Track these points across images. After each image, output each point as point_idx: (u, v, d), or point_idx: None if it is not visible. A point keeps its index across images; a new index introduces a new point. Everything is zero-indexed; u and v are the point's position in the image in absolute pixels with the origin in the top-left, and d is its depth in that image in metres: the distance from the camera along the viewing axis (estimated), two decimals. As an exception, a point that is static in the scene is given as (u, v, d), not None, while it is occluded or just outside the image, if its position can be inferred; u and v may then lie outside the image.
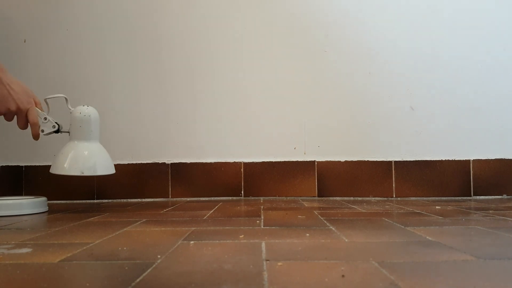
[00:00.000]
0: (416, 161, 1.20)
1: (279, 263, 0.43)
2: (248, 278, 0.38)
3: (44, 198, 0.94)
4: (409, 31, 1.23)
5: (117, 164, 1.21)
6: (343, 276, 0.38)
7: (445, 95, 1.22)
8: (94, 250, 0.50)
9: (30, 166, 1.22)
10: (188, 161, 1.22)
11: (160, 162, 1.22)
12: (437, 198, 1.17)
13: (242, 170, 1.21)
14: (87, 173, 0.85)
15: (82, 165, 0.85)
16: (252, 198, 1.20)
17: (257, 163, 1.21)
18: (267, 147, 1.23)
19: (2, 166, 1.22)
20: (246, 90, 1.24)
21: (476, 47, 1.23)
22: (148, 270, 0.40)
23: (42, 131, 0.88)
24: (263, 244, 0.53)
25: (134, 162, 1.22)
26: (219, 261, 0.44)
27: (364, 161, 1.21)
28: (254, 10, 1.24)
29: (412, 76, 1.23)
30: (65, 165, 0.84)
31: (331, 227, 0.66)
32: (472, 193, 1.19)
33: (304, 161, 1.21)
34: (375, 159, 1.21)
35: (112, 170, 0.89)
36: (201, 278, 0.38)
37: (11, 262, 0.45)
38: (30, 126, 0.87)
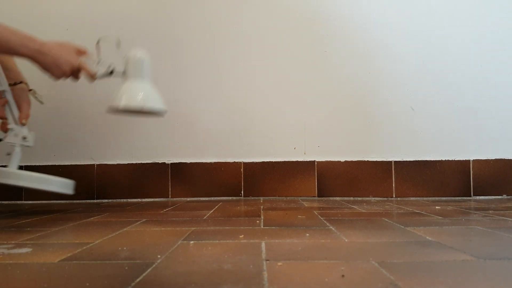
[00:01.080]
0: (416, 161, 1.20)
1: (279, 263, 0.43)
2: (248, 278, 0.38)
3: (71, 181, 0.96)
4: (409, 32, 1.23)
5: (117, 164, 1.21)
6: (343, 276, 0.38)
7: (445, 95, 1.22)
8: (94, 250, 0.50)
9: (30, 166, 1.22)
10: (188, 161, 1.22)
11: (160, 162, 1.22)
12: (437, 198, 1.17)
13: (242, 170, 1.21)
14: (146, 108, 0.87)
15: (142, 101, 0.88)
16: (252, 198, 1.20)
17: (257, 163, 1.21)
18: (267, 147, 1.23)
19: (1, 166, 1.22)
20: (246, 90, 1.24)
21: (476, 47, 1.23)
22: (148, 270, 0.40)
23: (97, 73, 0.90)
24: (263, 244, 0.53)
25: (134, 162, 1.22)
26: (219, 261, 0.44)
27: (364, 161, 1.21)
28: (254, 10, 1.24)
29: (412, 76, 1.23)
30: (126, 101, 0.87)
31: (331, 227, 0.66)
32: (472, 193, 1.19)
33: (304, 161, 1.21)
34: (375, 159, 1.21)
35: (165, 109, 0.91)
36: (201, 278, 0.38)
37: (11, 262, 0.45)
38: (87, 76, 0.89)
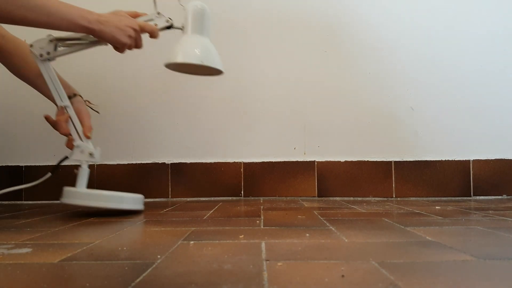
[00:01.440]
0: (416, 161, 1.20)
1: (279, 263, 0.43)
2: (248, 278, 0.38)
3: (142, 196, 0.92)
4: (409, 32, 1.23)
5: (117, 164, 1.21)
6: (343, 276, 0.38)
7: (445, 96, 1.22)
8: (94, 250, 0.50)
9: (30, 166, 1.22)
10: (188, 161, 1.22)
11: (160, 162, 1.22)
12: (437, 198, 1.17)
13: (242, 170, 1.21)
14: (206, 62, 0.81)
15: (201, 55, 0.82)
16: (252, 198, 1.20)
17: (257, 163, 1.21)
18: (267, 147, 1.23)
19: (1, 166, 1.22)
20: (246, 90, 1.24)
21: (476, 47, 1.23)
22: (148, 270, 0.40)
23: (156, 25, 0.86)
24: (263, 244, 0.53)
25: (134, 162, 1.22)
26: (219, 261, 0.44)
27: (364, 161, 1.21)
28: (253, 8, 1.24)
29: (412, 77, 1.23)
30: (184, 55, 0.82)
31: (331, 227, 0.66)
32: (472, 193, 1.19)
33: (304, 161, 1.21)
34: (375, 159, 1.21)
35: (222, 68, 0.86)
36: (201, 278, 0.38)
37: (11, 262, 0.45)
38: (149, 32, 0.85)
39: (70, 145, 0.89)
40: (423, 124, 1.22)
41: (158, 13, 0.86)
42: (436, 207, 0.95)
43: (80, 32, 0.79)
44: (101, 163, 1.22)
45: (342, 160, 1.21)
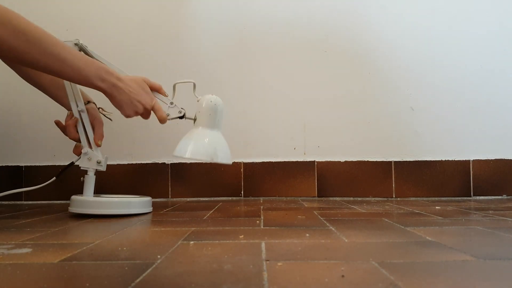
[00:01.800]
0: (416, 161, 1.20)
1: (279, 263, 0.43)
2: (248, 278, 0.38)
3: (149, 198, 0.93)
4: (409, 32, 1.23)
5: (117, 164, 1.21)
6: (343, 276, 0.38)
7: (445, 96, 1.22)
8: (94, 250, 0.50)
9: (30, 166, 1.22)
10: (188, 161, 1.22)
11: (160, 162, 1.22)
12: (437, 199, 1.17)
13: (242, 170, 1.21)
14: (215, 160, 0.82)
15: (211, 152, 0.83)
16: (252, 198, 1.20)
17: (257, 163, 1.21)
18: (267, 147, 1.23)
19: (1, 166, 1.22)
20: (246, 90, 1.24)
21: (476, 47, 1.23)
22: (148, 270, 0.40)
23: (168, 115, 0.87)
24: (263, 244, 0.53)
25: (134, 162, 1.22)
26: (219, 261, 0.44)
27: (364, 161, 1.21)
28: (253, 9, 1.25)
29: (412, 77, 1.23)
30: (193, 152, 0.82)
31: (331, 227, 0.66)
32: (472, 193, 1.19)
33: (304, 161, 1.21)
34: (375, 159, 1.21)
35: (231, 161, 0.87)
36: (201, 278, 0.38)
37: (11, 262, 0.45)
38: (158, 119, 0.85)
39: (77, 151, 0.88)
40: (423, 124, 1.22)
41: (172, 103, 0.88)
42: (436, 207, 0.95)
43: (92, 88, 0.77)
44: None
45: (342, 160, 1.21)
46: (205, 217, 0.80)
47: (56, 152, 1.23)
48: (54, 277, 0.39)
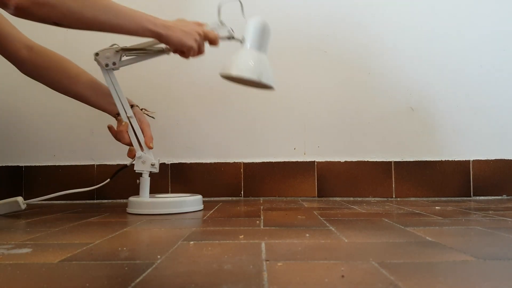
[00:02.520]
0: (416, 161, 1.20)
1: (279, 264, 0.43)
2: (248, 279, 0.38)
3: (200, 196, 0.96)
4: (408, 32, 1.23)
5: (117, 165, 1.21)
6: (343, 276, 0.38)
7: (445, 96, 1.22)
8: (94, 250, 0.50)
9: (30, 166, 1.22)
10: (188, 161, 1.22)
11: (160, 162, 1.21)
12: (436, 199, 1.17)
13: (242, 170, 1.21)
14: (262, 79, 0.82)
15: (258, 71, 0.82)
16: (252, 198, 1.20)
17: (257, 163, 1.21)
18: (267, 147, 1.23)
19: (1, 166, 1.22)
20: (246, 90, 1.24)
21: (476, 47, 1.23)
22: (148, 271, 0.40)
23: (217, 34, 0.87)
24: (263, 245, 0.53)
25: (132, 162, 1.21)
26: (219, 261, 0.44)
27: (364, 161, 1.21)
28: (252, 10, 1.24)
29: (412, 77, 1.23)
30: (241, 70, 0.82)
31: (331, 228, 0.66)
32: (472, 193, 1.19)
33: (304, 161, 1.21)
34: (375, 160, 1.21)
35: (274, 86, 0.87)
36: (201, 279, 0.38)
37: (11, 262, 0.45)
38: (211, 40, 0.86)
39: (131, 154, 0.91)
40: (423, 124, 1.22)
41: (221, 22, 0.87)
42: (436, 207, 0.95)
43: (147, 36, 0.79)
44: (100, 163, 1.22)
45: (342, 160, 1.21)
46: (205, 217, 0.80)
47: (56, 152, 1.23)
48: (54, 277, 0.39)
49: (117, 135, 0.90)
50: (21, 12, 0.67)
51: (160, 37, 0.79)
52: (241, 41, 0.86)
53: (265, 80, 0.82)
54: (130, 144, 0.90)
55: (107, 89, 0.88)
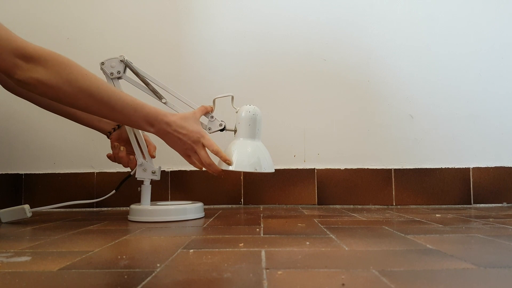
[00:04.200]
0: (416, 169, 1.20)
1: (279, 272, 0.43)
2: (248, 287, 0.38)
3: (201, 204, 0.97)
4: (407, 40, 1.24)
5: (117, 172, 1.21)
6: (343, 284, 0.38)
7: (444, 103, 1.23)
8: (94, 259, 0.50)
9: (30, 174, 1.21)
10: (188, 168, 1.22)
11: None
12: (437, 206, 1.17)
13: (241, 177, 1.21)
14: (258, 170, 0.85)
15: (254, 163, 0.86)
16: (252, 206, 1.20)
17: (257, 171, 1.21)
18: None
19: (1, 174, 1.22)
20: (246, 98, 1.24)
21: (475, 55, 1.23)
22: (148, 279, 0.40)
23: (209, 129, 0.90)
24: (263, 253, 0.52)
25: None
26: (219, 269, 0.44)
27: (364, 169, 1.21)
28: (253, 20, 1.25)
29: (411, 85, 1.23)
30: (237, 164, 0.85)
31: (331, 235, 0.65)
32: (472, 201, 1.19)
33: (304, 169, 1.21)
34: (374, 167, 1.21)
35: (273, 170, 0.90)
36: (201, 287, 0.38)
37: (10, 270, 0.45)
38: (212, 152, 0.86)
39: (132, 165, 0.93)
40: (422, 132, 1.22)
41: (212, 117, 0.91)
42: (436, 215, 0.95)
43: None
44: (100, 170, 1.22)
45: (342, 167, 1.21)
46: (205, 225, 0.80)
47: (56, 160, 1.23)
48: (53, 285, 0.39)
49: (117, 161, 0.93)
50: (22, 85, 0.70)
51: (156, 135, 0.83)
52: (234, 131, 0.90)
53: (261, 169, 0.86)
54: (133, 167, 0.93)
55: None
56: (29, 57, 0.68)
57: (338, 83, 1.24)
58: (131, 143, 0.91)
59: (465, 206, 1.17)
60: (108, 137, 0.95)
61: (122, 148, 0.91)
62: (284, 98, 1.24)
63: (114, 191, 0.98)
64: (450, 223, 0.79)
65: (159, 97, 0.90)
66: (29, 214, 0.88)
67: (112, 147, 0.93)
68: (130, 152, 0.93)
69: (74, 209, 1.18)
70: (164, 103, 0.90)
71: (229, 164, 0.84)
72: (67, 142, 1.23)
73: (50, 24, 1.24)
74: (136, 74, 0.90)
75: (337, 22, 1.25)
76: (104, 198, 1.00)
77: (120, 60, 0.88)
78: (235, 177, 1.21)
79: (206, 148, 0.85)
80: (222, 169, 0.85)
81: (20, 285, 0.39)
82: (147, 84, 0.90)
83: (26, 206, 0.88)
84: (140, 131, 0.91)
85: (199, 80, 1.24)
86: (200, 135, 0.84)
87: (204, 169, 0.87)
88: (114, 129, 0.94)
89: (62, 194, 1.19)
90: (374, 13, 1.25)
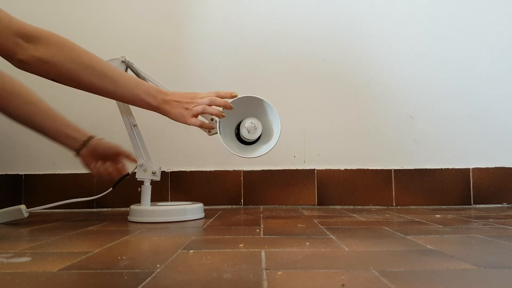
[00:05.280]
0: (416, 169, 1.20)
1: (279, 272, 0.43)
2: None
3: (201, 204, 0.97)
4: (407, 41, 1.24)
5: (117, 173, 1.21)
6: (343, 285, 0.38)
7: (444, 104, 1.23)
8: (94, 259, 0.50)
9: (30, 174, 1.21)
10: (188, 169, 1.22)
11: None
12: (437, 207, 1.17)
13: (241, 178, 1.21)
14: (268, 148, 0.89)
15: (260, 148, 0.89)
16: (252, 206, 1.20)
17: (257, 171, 1.21)
18: (266, 155, 1.22)
19: (1, 175, 1.22)
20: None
21: (474, 56, 1.23)
22: (148, 279, 0.40)
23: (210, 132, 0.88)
24: (263, 253, 0.52)
25: (134, 171, 1.21)
26: (219, 270, 0.44)
27: (364, 169, 1.21)
28: (251, 14, 1.25)
29: (411, 85, 1.23)
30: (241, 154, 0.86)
31: (331, 236, 0.65)
32: (472, 201, 1.19)
33: (304, 170, 1.21)
34: (374, 168, 1.21)
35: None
36: None
37: (10, 271, 0.45)
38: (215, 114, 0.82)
39: (121, 172, 0.93)
40: (422, 132, 1.22)
41: (212, 119, 0.87)
42: (436, 215, 0.95)
43: (144, 107, 0.80)
44: (101, 171, 1.22)
45: (342, 168, 1.21)
46: (204, 226, 0.80)
47: (56, 161, 1.23)
48: (53, 286, 0.39)
49: (103, 178, 0.91)
50: (23, 66, 0.70)
51: (158, 111, 0.80)
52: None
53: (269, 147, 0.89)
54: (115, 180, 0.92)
55: (66, 121, 0.89)
56: (30, 36, 0.68)
57: (338, 84, 1.24)
58: (105, 154, 0.90)
59: (465, 206, 1.17)
60: (76, 155, 0.91)
61: (99, 164, 0.90)
62: (284, 98, 1.24)
63: (111, 188, 0.97)
64: (450, 224, 0.79)
65: None
66: (25, 214, 0.88)
67: (88, 167, 0.91)
68: (110, 162, 0.92)
69: (74, 210, 1.18)
70: None
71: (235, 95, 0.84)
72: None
73: (50, 24, 1.24)
74: (137, 74, 0.90)
75: (337, 22, 1.25)
76: (99, 197, 0.98)
77: (122, 61, 0.88)
78: (235, 177, 1.21)
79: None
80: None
81: (20, 286, 0.39)
82: None
83: (23, 207, 0.88)
84: (140, 130, 0.90)
85: (199, 80, 1.24)
86: (195, 93, 0.82)
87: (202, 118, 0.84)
88: (84, 144, 0.90)
89: (62, 195, 1.19)
90: (374, 13, 1.25)
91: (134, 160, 0.92)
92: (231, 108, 0.83)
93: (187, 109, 0.80)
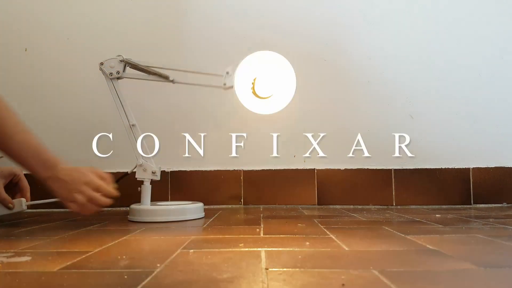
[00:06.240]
0: (416, 169, 1.20)
1: (279, 272, 0.43)
2: (248, 287, 0.38)
3: (201, 204, 0.97)
4: (407, 41, 1.24)
5: (117, 172, 1.21)
6: (343, 285, 0.38)
7: (444, 104, 1.23)
8: (94, 259, 0.50)
9: (29, 174, 1.21)
10: (187, 169, 1.22)
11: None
12: (437, 206, 1.17)
13: (241, 178, 1.21)
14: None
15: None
16: (252, 206, 1.20)
17: (256, 171, 1.21)
18: (266, 155, 1.23)
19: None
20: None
21: (474, 55, 1.23)
22: (148, 279, 0.40)
23: (225, 84, 0.93)
24: (263, 253, 0.52)
25: (134, 170, 1.21)
26: (219, 270, 0.44)
27: (364, 169, 1.21)
28: (252, 11, 1.25)
29: (411, 85, 1.23)
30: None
31: (331, 236, 0.65)
32: (472, 201, 1.19)
33: (303, 169, 1.21)
34: (375, 167, 1.21)
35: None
36: (201, 287, 0.38)
37: (10, 270, 0.45)
38: (106, 194, 0.78)
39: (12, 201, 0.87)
40: (422, 132, 1.22)
41: (227, 72, 0.92)
42: (436, 215, 0.95)
43: (32, 172, 0.76)
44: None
45: (342, 168, 1.21)
46: (204, 225, 0.80)
47: (56, 160, 1.22)
48: (53, 285, 0.39)
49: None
50: None
51: (45, 184, 0.75)
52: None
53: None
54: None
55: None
56: None
57: (338, 84, 1.24)
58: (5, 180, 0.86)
59: (465, 206, 1.17)
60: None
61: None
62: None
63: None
64: (450, 223, 0.79)
65: (165, 77, 0.90)
66: (24, 207, 0.88)
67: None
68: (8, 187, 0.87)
69: (74, 209, 1.17)
70: (172, 80, 0.90)
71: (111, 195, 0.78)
72: (66, 143, 1.23)
73: (50, 24, 1.24)
74: (135, 67, 0.89)
75: (337, 22, 1.25)
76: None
77: (120, 60, 0.88)
78: (235, 177, 1.21)
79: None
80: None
81: (21, 285, 0.39)
82: (149, 72, 0.90)
83: (23, 199, 0.89)
84: (139, 132, 0.91)
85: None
86: (83, 173, 0.77)
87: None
88: None
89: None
90: (374, 13, 1.25)
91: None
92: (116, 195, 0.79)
93: (70, 192, 0.74)
